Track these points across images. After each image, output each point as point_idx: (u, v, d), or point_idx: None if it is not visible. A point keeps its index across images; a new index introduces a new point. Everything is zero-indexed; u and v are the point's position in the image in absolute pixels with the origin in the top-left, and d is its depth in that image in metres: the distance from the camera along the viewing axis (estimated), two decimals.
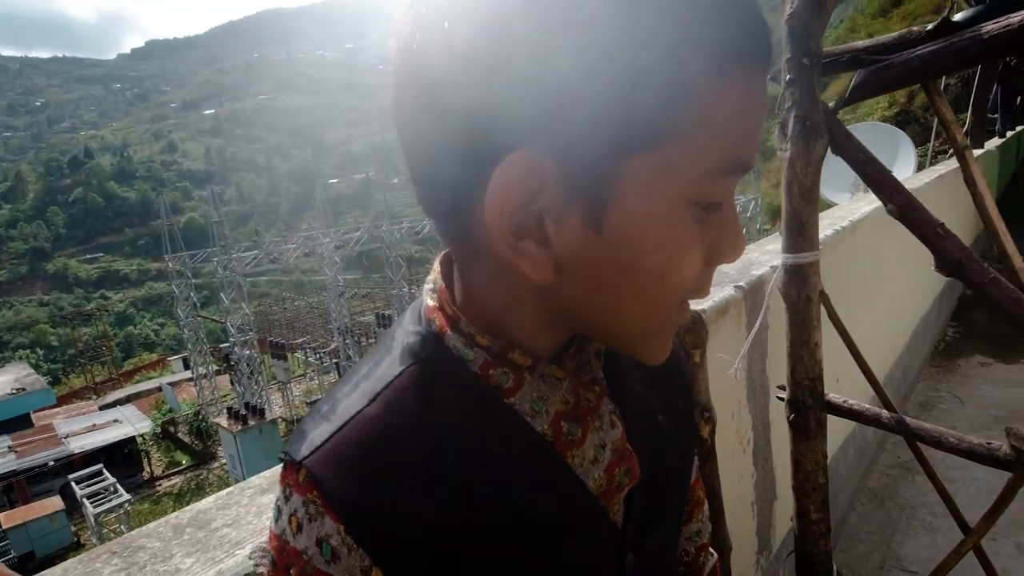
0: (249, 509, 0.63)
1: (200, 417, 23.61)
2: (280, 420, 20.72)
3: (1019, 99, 9.49)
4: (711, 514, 0.89)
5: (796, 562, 0.99)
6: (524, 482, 0.39)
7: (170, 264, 24.08)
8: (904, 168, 3.95)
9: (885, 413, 0.88)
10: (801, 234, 0.88)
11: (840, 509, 2.34)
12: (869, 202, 2.48)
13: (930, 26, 0.64)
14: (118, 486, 16.62)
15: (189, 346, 24.79)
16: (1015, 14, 0.57)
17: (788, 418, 0.94)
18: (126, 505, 15.94)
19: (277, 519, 0.37)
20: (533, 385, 0.40)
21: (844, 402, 0.92)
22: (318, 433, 0.37)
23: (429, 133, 0.34)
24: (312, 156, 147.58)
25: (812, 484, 0.94)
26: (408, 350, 0.40)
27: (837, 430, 2.31)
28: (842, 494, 2.37)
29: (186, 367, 31.02)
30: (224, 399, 24.67)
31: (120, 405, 27.51)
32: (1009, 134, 8.78)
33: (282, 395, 24.90)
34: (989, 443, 0.71)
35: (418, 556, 0.35)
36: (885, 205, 0.72)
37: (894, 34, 0.68)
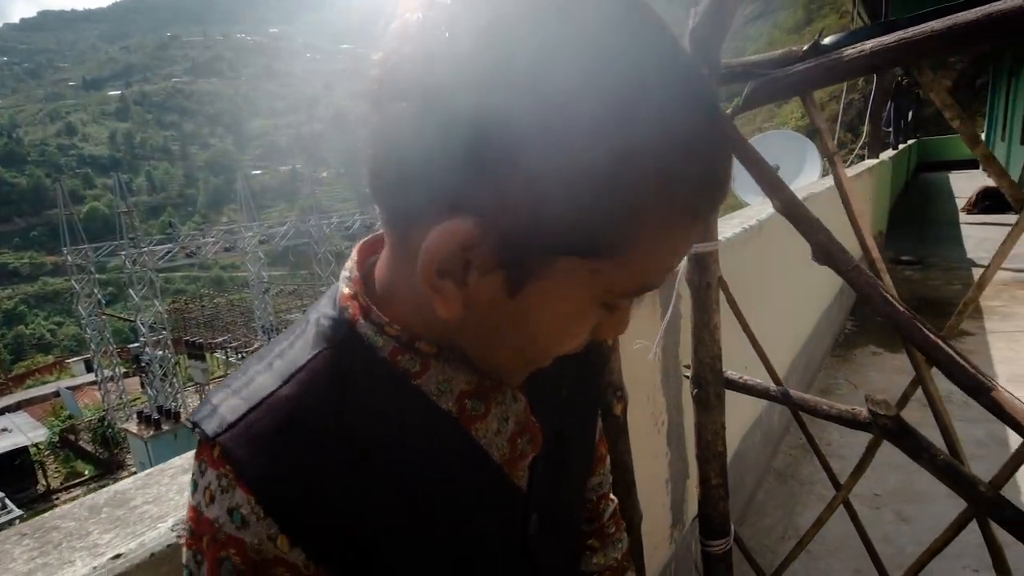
0: (171, 487, 0.63)
1: (105, 423, 21.77)
2: None
3: (909, 115, 10.59)
4: (622, 487, 0.96)
5: (699, 524, 1.09)
6: (430, 454, 0.42)
7: (69, 257, 21.84)
8: (811, 173, 4.19)
9: (772, 386, 1.00)
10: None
11: (748, 487, 2.50)
12: None
13: (805, 47, 0.74)
14: (7, 501, 15.14)
15: (92, 347, 22.67)
16: (868, 41, 0.68)
17: (692, 393, 1.04)
18: (17, 522, 14.50)
19: (194, 492, 0.39)
20: (439, 369, 0.43)
21: (740, 378, 1.03)
22: (229, 409, 0.39)
23: (409, 155, 0.35)
24: (232, 145, 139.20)
25: (712, 452, 1.05)
26: (322, 334, 0.42)
27: (746, 416, 2.48)
28: (750, 474, 2.52)
29: (89, 370, 28.47)
30: (134, 403, 22.89)
31: (9, 412, 24.88)
32: (901, 146, 9.77)
33: (200, 397, 23.39)
34: (853, 409, 0.84)
35: (327, 527, 0.37)
36: (772, 202, 0.82)
37: (779, 51, 0.78)
